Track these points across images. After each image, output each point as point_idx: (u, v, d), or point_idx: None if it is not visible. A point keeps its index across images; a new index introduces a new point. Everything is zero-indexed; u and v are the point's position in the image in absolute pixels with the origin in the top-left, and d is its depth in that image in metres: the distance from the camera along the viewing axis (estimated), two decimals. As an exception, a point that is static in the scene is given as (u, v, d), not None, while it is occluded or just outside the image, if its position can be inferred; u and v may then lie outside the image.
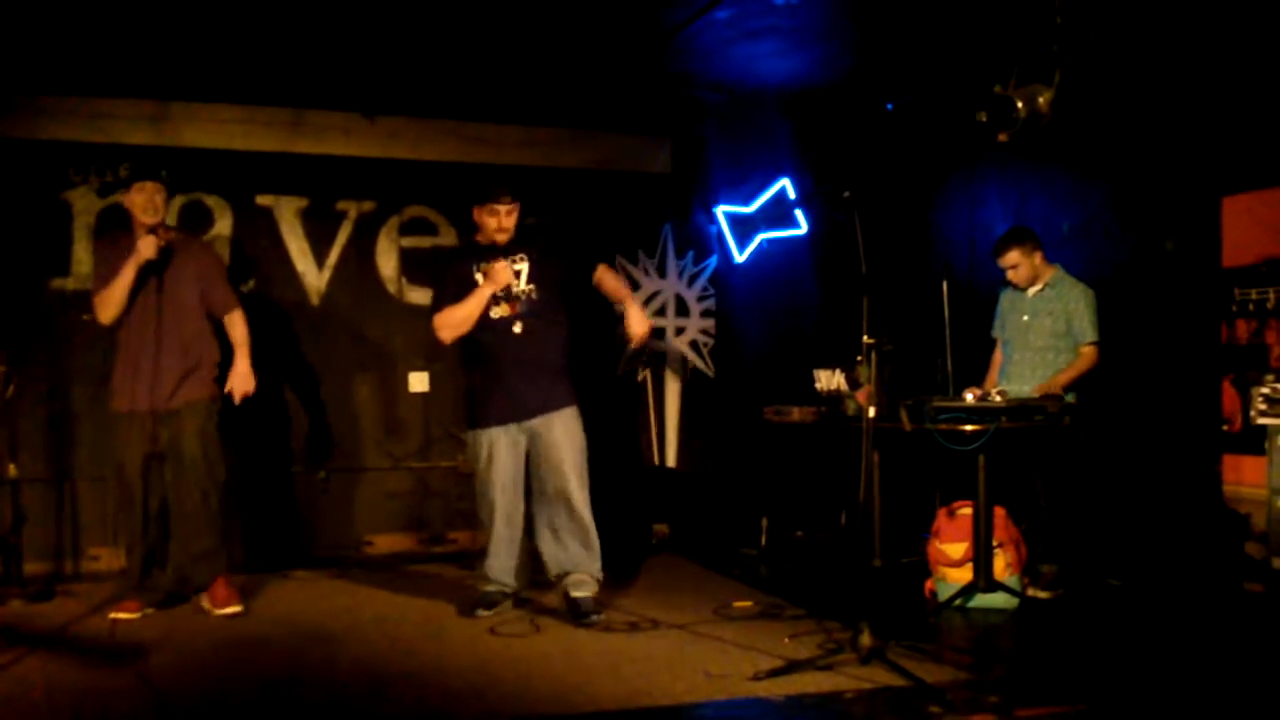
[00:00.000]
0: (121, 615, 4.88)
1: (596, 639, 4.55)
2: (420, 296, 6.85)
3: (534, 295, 4.89)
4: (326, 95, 6.52)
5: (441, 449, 6.79)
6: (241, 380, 5.09)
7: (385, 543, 6.72)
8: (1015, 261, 5.43)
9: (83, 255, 6.14)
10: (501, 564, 4.96)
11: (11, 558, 5.59)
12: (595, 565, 4.88)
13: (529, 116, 6.96)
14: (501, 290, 4.84)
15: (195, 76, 6.19)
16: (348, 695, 3.84)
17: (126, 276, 4.83)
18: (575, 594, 4.83)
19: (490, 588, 4.99)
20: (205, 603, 5.06)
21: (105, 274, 4.91)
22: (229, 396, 5.08)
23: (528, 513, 4.97)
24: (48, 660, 4.23)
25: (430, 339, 6.71)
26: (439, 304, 4.95)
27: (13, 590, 5.39)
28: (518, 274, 4.89)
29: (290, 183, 6.60)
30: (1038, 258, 5.44)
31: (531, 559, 5.08)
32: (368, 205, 6.77)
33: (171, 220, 6.15)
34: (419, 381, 6.80)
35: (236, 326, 5.18)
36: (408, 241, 6.84)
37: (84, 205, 6.20)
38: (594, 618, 4.76)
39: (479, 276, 4.87)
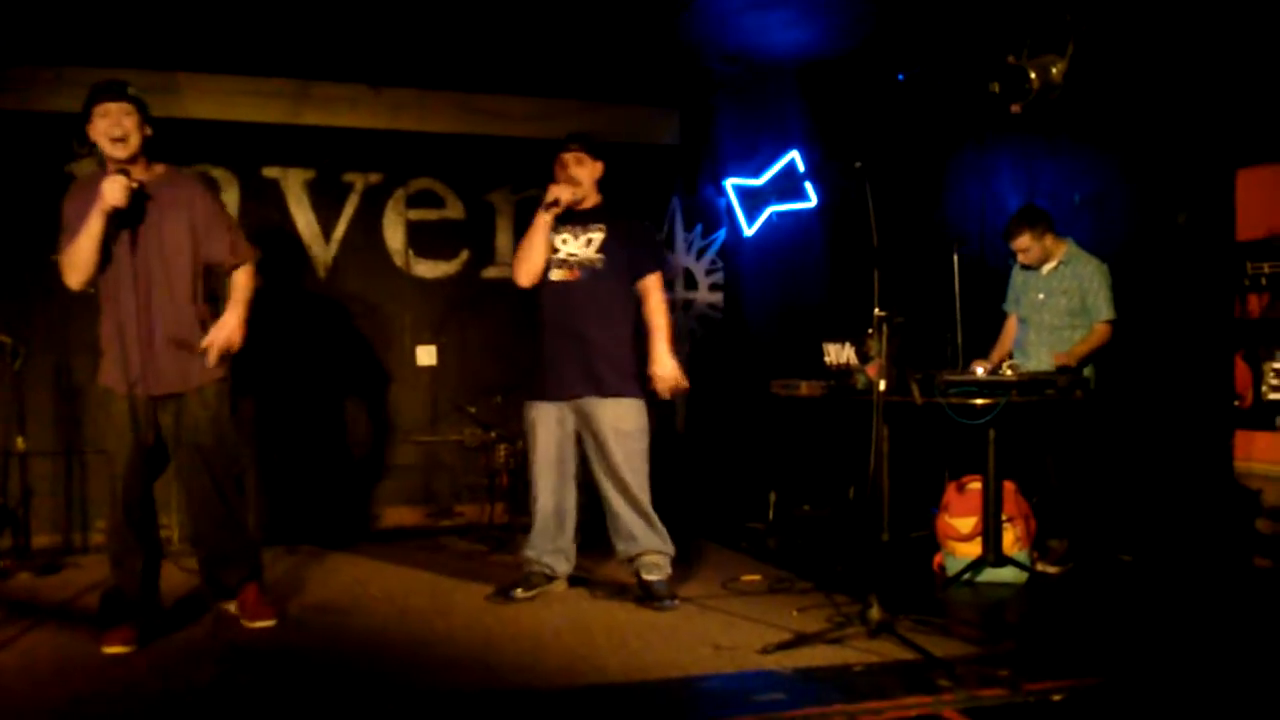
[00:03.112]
0: (114, 649, 3.93)
1: (604, 612, 4.55)
2: (428, 269, 6.83)
3: (599, 265, 4.63)
4: (333, 66, 6.48)
5: (449, 423, 6.77)
6: (222, 329, 4.11)
7: (393, 516, 6.73)
8: (1026, 245, 5.40)
9: (89, 228, 6.12)
10: (543, 546, 4.73)
11: (20, 531, 5.61)
12: (661, 543, 4.66)
13: (536, 88, 6.91)
14: (557, 199, 4.60)
15: (200, 47, 6.14)
16: (355, 666, 3.85)
17: (92, 228, 3.89)
18: (647, 577, 4.64)
19: (533, 569, 4.76)
20: (233, 609, 4.36)
21: (73, 227, 3.98)
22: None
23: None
24: (56, 633, 4.24)
25: (438, 312, 6.81)
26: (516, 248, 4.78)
27: (21, 563, 5.40)
28: (589, 242, 4.66)
29: (297, 154, 6.57)
30: (1049, 239, 5.40)
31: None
32: (375, 177, 6.74)
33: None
34: (426, 355, 6.79)
35: (241, 278, 4.26)
36: (415, 214, 6.82)
37: (89, 178, 6.17)
38: (667, 603, 4.55)
39: (555, 241, 4.66)
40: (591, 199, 4.76)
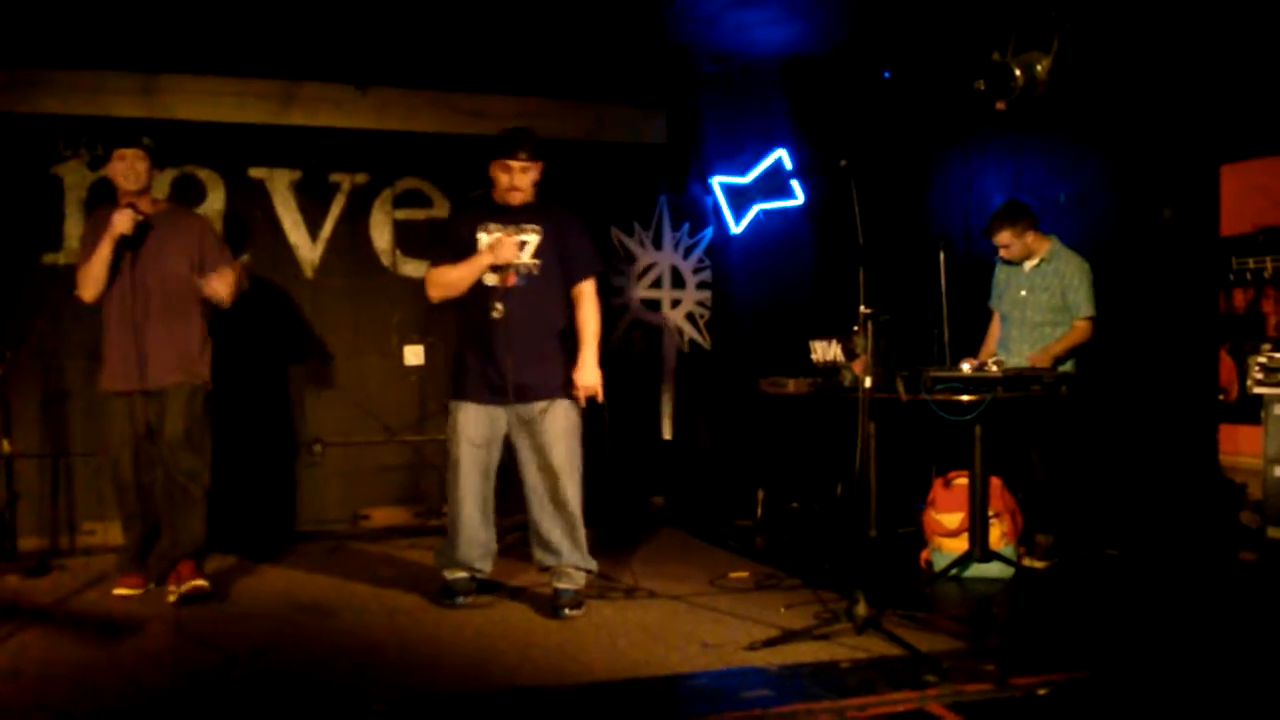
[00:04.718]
0: (124, 591, 4.82)
1: (592, 610, 4.55)
2: (415, 269, 6.82)
3: (535, 271, 4.56)
4: (318, 67, 6.47)
5: (437, 422, 6.75)
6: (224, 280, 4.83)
7: (381, 516, 6.72)
8: (1007, 241, 5.42)
9: (74, 230, 6.10)
10: (477, 549, 4.64)
11: (6, 533, 5.61)
12: (580, 558, 4.59)
13: (522, 87, 6.90)
14: (502, 264, 4.50)
15: (186, 48, 6.13)
16: (344, 667, 3.85)
17: (102, 252, 4.68)
18: (558, 584, 4.57)
19: (462, 574, 4.68)
20: (172, 584, 4.81)
21: (89, 249, 4.76)
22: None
23: (516, 496, 4.70)
24: (43, 635, 4.23)
25: (425, 311, 6.79)
26: (437, 259, 4.67)
27: (8, 566, 5.39)
28: (523, 245, 4.55)
29: (283, 155, 6.55)
30: (1030, 236, 5.41)
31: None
32: (361, 177, 6.73)
33: (163, 193, 6.13)
34: (414, 354, 6.78)
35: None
36: (401, 214, 6.81)
37: (75, 180, 6.16)
38: (568, 611, 4.47)
39: (482, 236, 4.56)
40: (526, 196, 4.63)
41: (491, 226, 4.58)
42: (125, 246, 4.70)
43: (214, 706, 3.48)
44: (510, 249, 4.50)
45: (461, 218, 4.74)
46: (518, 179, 4.55)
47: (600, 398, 4.62)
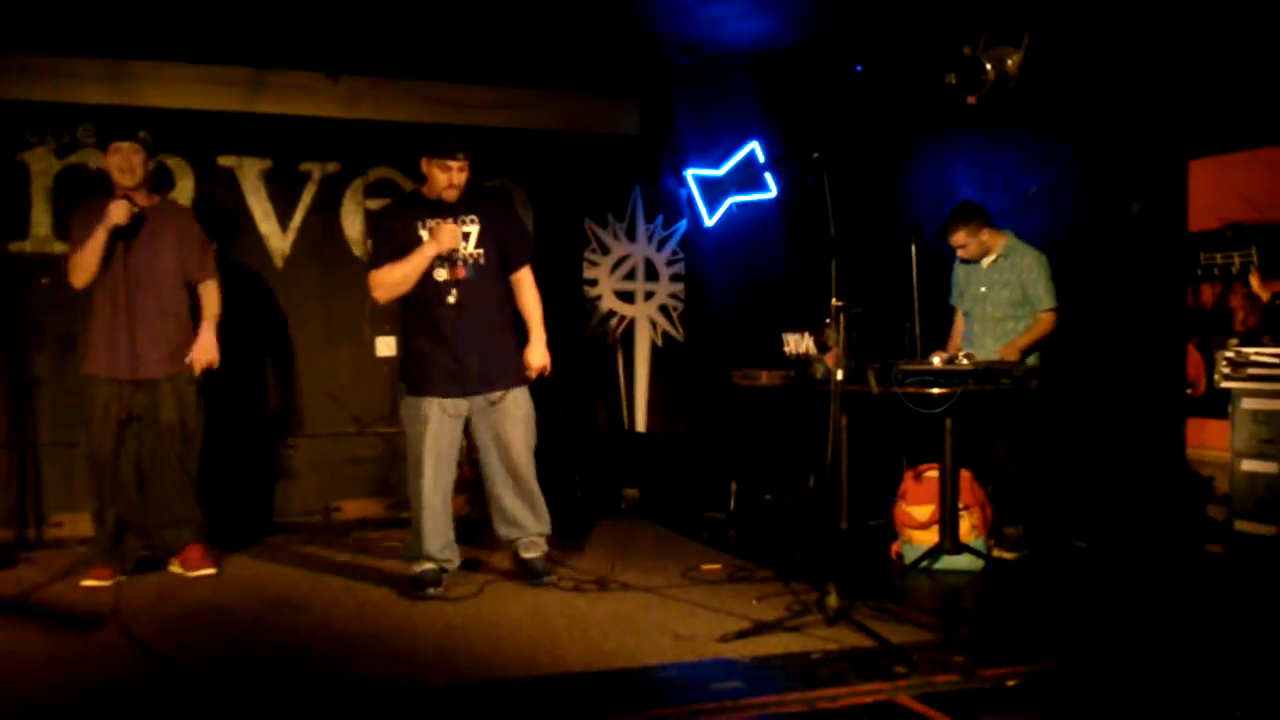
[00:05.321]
0: (93, 582, 4.81)
1: (565, 602, 4.55)
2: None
3: (481, 260, 4.64)
4: (289, 54, 6.41)
5: (409, 413, 6.73)
6: (203, 352, 5.02)
7: (353, 508, 6.68)
8: (962, 241, 5.46)
9: (40, 218, 6.04)
10: (440, 540, 4.69)
11: (-28, 525, 5.55)
12: (543, 527, 4.83)
13: (496, 77, 6.87)
14: (447, 252, 4.57)
15: (155, 34, 6.06)
16: (314, 661, 3.83)
17: (97, 240, 4.74)
18: (526, 555, 4.82)
19: (430, 566, 4.70)
20: (176, 566, 5.05)
21: (81, 237, 4.81)
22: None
23: (473, 483, 4.80)
24: (10, 628, 4.19)
25: (397, 302, 6.75)
26: (377, 260, 4.66)
27: (-27, 558, 5.34)
28: (466, 236, 4.63)
29: (253, 143, 6.49)
30: (985, 234, 5.45)
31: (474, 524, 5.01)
32: (332, 166, 6.68)
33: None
34: (386, 346, 6.73)
35: (209, 295, 5.11)
36: (373, 203, 6.75)
37: (41, 167, 6.08)
38: (547, 578, 4.77)
39: (424, 234, 4.61)
40: (461, 192, 4.70)
41: (430, 222, 4.63)
42: (119, 237, 4.79)
43: (183, 699, 3.46)
44: (453, 234, 4.58)
45: (394, 217, 4.77)
46: (455, 177, 4.61)
47: (548, 372, 4.79)
